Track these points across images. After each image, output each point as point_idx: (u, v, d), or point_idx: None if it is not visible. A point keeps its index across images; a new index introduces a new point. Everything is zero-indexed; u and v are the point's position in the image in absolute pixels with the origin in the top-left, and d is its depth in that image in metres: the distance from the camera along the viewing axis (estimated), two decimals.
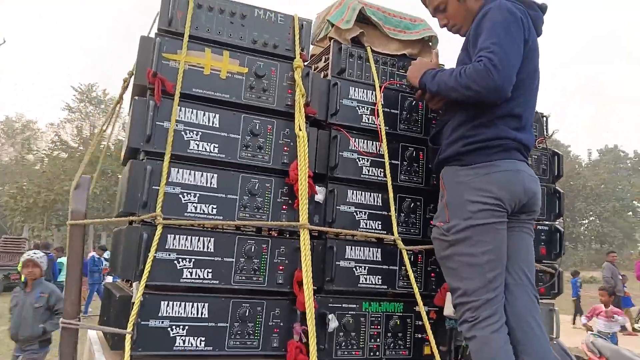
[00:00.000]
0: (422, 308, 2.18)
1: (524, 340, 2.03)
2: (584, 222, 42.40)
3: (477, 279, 2.01)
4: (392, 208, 2.27)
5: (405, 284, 2.37)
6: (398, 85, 2.47)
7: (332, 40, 2.45)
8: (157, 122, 1.97)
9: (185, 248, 1.96)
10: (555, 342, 4.59)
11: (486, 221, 2.01)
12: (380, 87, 2.40)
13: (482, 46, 1.98)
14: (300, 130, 2.08)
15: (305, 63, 2.25)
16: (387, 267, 2.33)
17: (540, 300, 2.65)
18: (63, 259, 14.02)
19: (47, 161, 40.69)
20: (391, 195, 2.28)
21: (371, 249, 2.31)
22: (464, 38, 2.24)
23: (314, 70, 2.57)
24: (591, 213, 40.93)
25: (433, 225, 2.17)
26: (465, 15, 2.26)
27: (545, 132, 2.80)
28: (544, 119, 2.83)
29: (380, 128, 2.34)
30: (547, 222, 2.78)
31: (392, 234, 2.28)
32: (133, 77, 2.09)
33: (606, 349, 5.43)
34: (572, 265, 35.32)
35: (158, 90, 1.95)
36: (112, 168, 35.29)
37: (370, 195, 2.35)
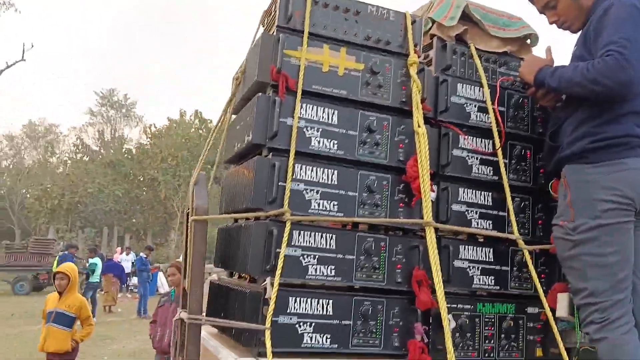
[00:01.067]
0: (547, 308, 2.18)
1: None
2: None
3: (606, 280, 2.01)
4: (510, 206, 2.29)
5: (516, 284, 2.37)
6: (511, 82, 2.47)
7: (434, 37, 2.48)
8: (280, 119, 2.01)
9: (310, 244, 2.00)
10: None
11: (616, 220, 2.01)
12: (492, 85, 2.41)
13: (610, 40, 1.98)
14: (419, 126, 2.11)
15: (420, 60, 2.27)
16: (499, 267, 2.34)
17: None
18: (96, 260, 14.36)
19: (70, 164, 41.53)
20: (508, 193, 2.29)
21: (484, 249, 2.33)
22: (578, 34, 2.25)
23: None
24: None
25: (555, 225, 2.17)
26: (577, 11, 2.27)
27: None
28: None
29: (497, 125, 2.35)
30: None
31: (512, 233, 2.28)
32: (252, 73, 2.13)
33: None
34: None
35: (282, 86, 2.00)
36: (134, 171, 35.93)
37: (481, 194, 2.36)
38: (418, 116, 2.14)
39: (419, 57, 2.27)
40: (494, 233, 2.28)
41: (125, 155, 38.43)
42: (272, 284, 1.85)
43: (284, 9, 2.11)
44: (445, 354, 2.13)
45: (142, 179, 36.20)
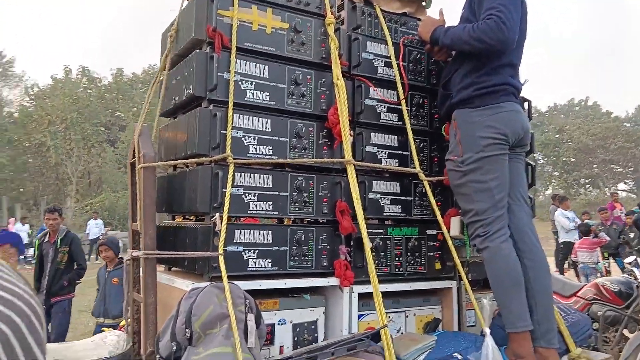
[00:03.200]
0: (444, 229, 2.66)
1: (524, 249, 2.57)
2: None
3: (488, 201, 2.51)
4: (413, 147, 2.71)
5: (418, 211, 2.83)
6: (411, 40, 2.86)
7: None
8: (218, 73, 2.24)
9: (250, 184, 2.28)
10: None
11: (494, 153, 2.49)
12: (395, 42, 2.77)
13: (491, 6, 2.42)
14: (338, 79, 2.44)
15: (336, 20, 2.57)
16: (404, 198, 2.78)
17: None
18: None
19: None
20: (411, 136, 2.71)
21: (392, 183, 2.74)
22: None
23: None
24: None
25: (447, 160, 2.63)
26: None
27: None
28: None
29: (400, 78, 2.73)
30: None
31: (414, 168, 2.71)
32: (188, 31, 2.31)
33: None
34: None
35: (218, 43, 2.21)
36: (18, 136, 33.15)
37: (388, 137, 2.76)
38: (337, 70, 2.46)
39: (334, 17, 2.57)
40: (400, 169, 2.70)
41: (7, 120, 35.25)
42: (220, 218, 2.12)
43: None
44: (365, 270, 2.55)
45: (28, 145, 33.54)
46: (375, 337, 2.38)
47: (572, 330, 2.78)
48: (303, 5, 2.52)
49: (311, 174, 2.48)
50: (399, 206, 2.77)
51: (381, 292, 2.46)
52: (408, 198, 2.80)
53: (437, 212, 2.71)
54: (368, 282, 2.52)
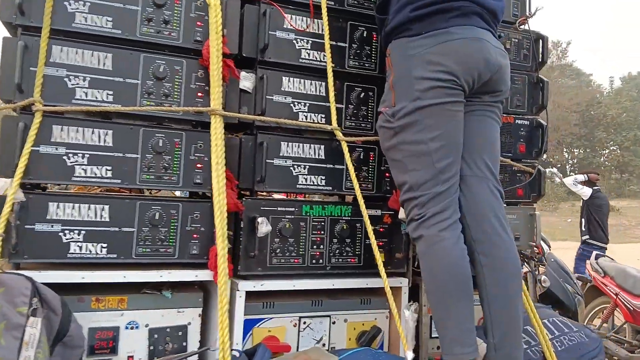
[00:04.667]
0: (364, 211, 1.92)
1: (483, 239, 1.78)
2: (604, 152, 41.65)
3: (426, 170, 1.74)
4: (331, 94, 1.97)
5: (351, 185, 2.11)
6: None
7: None
8: None
9: (77, 141, 1.70)
10: (550, 257, 4.41)
11: (436, 101, 1.71)
12: None
13: None
14: None
15: None
16: (332, 166, 2.07)
17: (520, 204, 2.42)
18: None
19: None
20: (330, 79, 1.98)
21: (312, 145, 2.04)
22: None
23: None
24: (611, 143, 40.15)
25: (379, 113, 1.88)
26: None
27: (527, 10, 2.43)
28: None
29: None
30: (528, 116, 2.46)
31: (330, 124, 1.99)
32: None
33: (611, 269, 5.26)
34: None
35: None
36: None
37: (312, 84, 2.05)
38: None
39: None
40: (311, 124, 1.98)
41: None
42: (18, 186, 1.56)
43: None
44: (260, 260, 1.91)
45: None
46: (265, 352, 1.75)
47: (566, 357, 1.96)
48: None
49: (178, 130, 1.84)
50: (323, 177, 2.06)
51: (290, 289, 1.87)
52: (338, 166, 2.08)
53: (356, 186, 1.97)
54: (265, 276, 1.90)
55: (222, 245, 1.63)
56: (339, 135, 1.96)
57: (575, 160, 42.83)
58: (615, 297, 4.51)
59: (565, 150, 42.04)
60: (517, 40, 2.42)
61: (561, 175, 6.74)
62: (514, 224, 2.41)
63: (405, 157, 1.78)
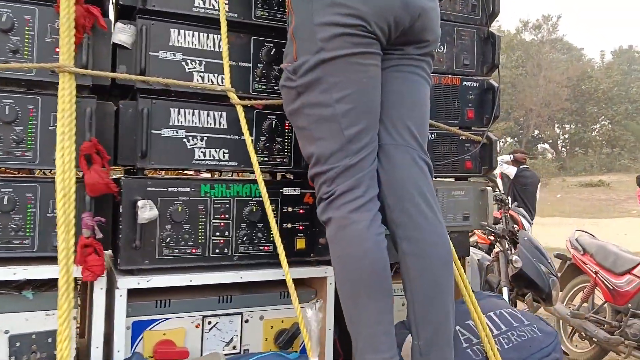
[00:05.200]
0: (263, 189, 1.61)
1: (404, 222, 1.48)
2: (595, 126, 41.52)
3: (333, 139, 1.43)
4: (224, 47, 1.64)
5: (266, 159, 1.79)
6: None
7: None
8: None
9: None
10: (523, 235, 4.13)
11: (341, 52, 1.39)
12: None
13: None
14: None
15: None
16: (237, 137, 1.74)
17: (469, 179, 2.13)
18: None
19: None
20: (224, 29, 1.64)
21: (212, 112, 1.72)
22: None
23: None
24: (603, 117, 40.00)
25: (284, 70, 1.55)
26: None
27: None
28: None
29: None
30: (477, 77, 2.14)
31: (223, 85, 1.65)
32: None
33: (591, 246, 5.04)
34: (583, 170, 34.99)
35: None
36: None
37: (209, 37, 1.71)
38: None
39: None
40: (200, 84, 1.65)
41: None
42: None
43: None
44: (148, 252, 1.60)
45: None
46: None
47: (514, 357, 1.68)
48: None
49: (31, 94, 1.51)
50: (226, 150, 1.74)
51: (188, 285, 1.59)
52: (244, 138, 1.76)
53: (254, 159, 1.65)
54: (154, 270, 1.59)
55: (63, 237, 1.31)
56: (234, 98, 1.63)
57: (566, 136, 42.79)
58: (594, 275, 4.27)
59: (556, 125, 41.90)
60: None
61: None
62: (462, 202, 2.12)
63: (311, 124, 1.46)
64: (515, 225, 6.07)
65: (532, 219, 6.97)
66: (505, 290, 3.60)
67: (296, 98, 1.47)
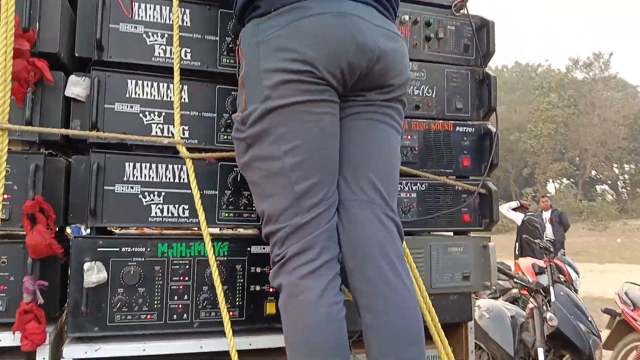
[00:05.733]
0: (209, 249, 1.47)
1: (366, 290, 1.30)
2: None
3: (282, 195, 1.29)
4: (176, 97, 1.55)
5: (230, 215, 1.67)
6: None
7: None
8: None
9: None
10: (559, 289, 3.78)
11: (288, 100, 1.27)
12: None
13: None
14: None
15: None
16: (201, 192, 1.63)
17: (469, 233, 1.94)
18: None
19: None
20: (177, 77, 1.56)
21: (171, 166, 1.62)
22: None
23: None
24: None
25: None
26: None
27: None
28: None
29: None
30: (472, 122, 1.97)
31: (173, 137, 1.56)
32: None
33: None
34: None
35: None
36: None
37: (169, 88, 1.64)
38: None
39: None
40: (152, 138, 1.56)
41: None
42: None
43: None
44: (98, 318, 1.49)
45: None
46: None
47: None
48: None
49: None
50: (186, 206, 1.63)
51: (141, 355, 1.46)
52: (209, 192, 1.65)
53: (202, 217, 1.53)
54: (104, 338, 1.49)
55: None
56: (182, 151, 1.53)
57: (626, 177, 40.86)
58: None
59: (615, 165, 40.15)
60: (454, 28, 1.95)
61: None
62: (462, 259, 1.91)
63: (261, 178, 1.34)
64: (561, 276, 5.70)
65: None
66: (540, 352, 3.28)
67: (246, 150, 1.35)
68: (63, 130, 1.46)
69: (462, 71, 1.95)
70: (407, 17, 1.87)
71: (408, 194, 1.87)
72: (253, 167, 1.35)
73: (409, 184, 1.87)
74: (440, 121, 1.91)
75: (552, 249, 5.79)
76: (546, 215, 9.84)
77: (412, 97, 1.88)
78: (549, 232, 9.41)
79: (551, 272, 5.66)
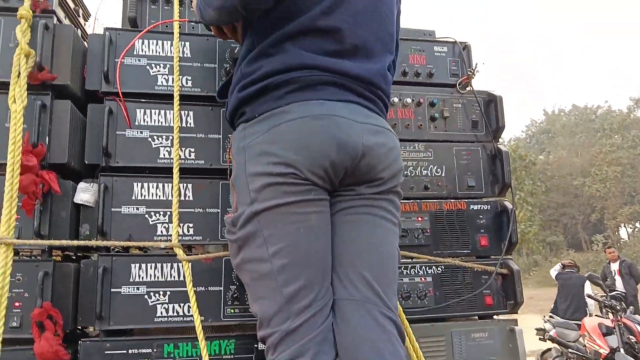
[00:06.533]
0: (203, 351, 1.46)
1: None
2: None
3: (272, 299, 1.28)
4: (175, 200, 1.59)
5: (237, 311, 1.66)
6: (193, 25, 1.81)
7: None
8: None
9: None
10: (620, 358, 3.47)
11: (272, 202, 1.27)
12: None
13: None
14: (14, 102, 1.50)
15: (34, 12, 1.66)
16: (203, 288, 1.65)
17: (495, 316, 1.84)
18: None
19: None
20: (175, 180, 1.61)
21: (175, 265, 1.65)
22: None
23: None
24: None
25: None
26: None
27: (469, 68, 1.95)
28: (465, 49, 1.98)
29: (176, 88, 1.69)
30: (487, 199, 1.91)
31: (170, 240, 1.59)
32: None
33: None
34: None
35: None
36: None
37: (169, 186, 1.69)
38: (17, 88, 1.53)
39: (43, 9, 1.66)
40: (148, 243, 1.59)
41: None
42: None
43: None
44: None
45: None
46: None
47: None
48: None
49: None
50: (190, 305, 1.63)
51: None
52: (213, 288, 1.66)
53: (196, 315, 1.52)
54: None
55: None
56: (179, 253, 1.55)
57: None
58: None
59: None
60: (460, 105, 1.93)
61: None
62: (486, 345, 1.81)
63: (252, 280, 1.33)
64: (631, 337, 5.26)
65: (572, 319, 6.79)
66: None
67: (238, 252, 1.36)
68: (70, 242, 1.52)
69: (472, 148, 1.91)
70: (409, 100, 1.87)
71: (423, 279, 1.81)
72: (244, 269, 1.35)
73: (423, 267, 1.82)
74: (452, 200, 1.86)
75: (619, 307, 5.38)
76: (614, 267, 9.25)
77: (420, 178, 1.86)
78: (618, 285, 8.83)
79: (620, 332, 5.23)
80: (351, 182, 1.36)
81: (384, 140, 1.37)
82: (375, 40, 1.44)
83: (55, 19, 1.69)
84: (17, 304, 1.52)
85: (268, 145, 1.30)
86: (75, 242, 1.53)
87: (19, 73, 1.54)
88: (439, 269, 1.83)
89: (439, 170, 1.87)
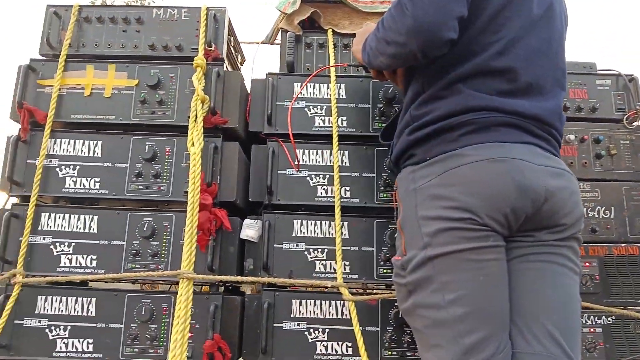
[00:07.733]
0: None
1: None
2: None
3: (449, 348, 1.24)
4: (338, 239, 1.62)
5: (395, 353, 1.64)
6: (346, 67, 1.86)
7: (281, 32, 1.98)
8: (27, 160, 1.71)
9: (60, 312, 1.61)
10: None
11: (450, 248, 1.25)
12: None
13: None
14: (192, 145, 1.62)
15: (209, 59, 1.79)
16: (363, 328, 1.65)
17: None
18: None
19: None
20: (337, 217, 1.64)
21: (333, 302, 1.67)
22: None
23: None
24: None
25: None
26: None
27: (637, 102, 1.82)
28: (631, 82, 1.85)
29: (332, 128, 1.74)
30: None
31: (335, 280, 1.60)
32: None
33: None
34: None
35: (25, 122, 1.71)
36: None
37: (331, 224, 1.73)
38: (194, 132, 1.65)
39: (215, 58, 1.79)
40: (310, 281, 1.61)
41: None
42: None
43: (46, 33, 1.84)
44: None
45: None
46: None
47: None
48: (174, 50, 1.83)
49: (164, 294, 1.65)
50: (348, 343, 1.64)
51: None
52: (371, 328, 1.66)
53: (362, 350, 1.51)
54: None
55: None
56: (345, 293, 1.57)
57: None
58: None
59: None
60: (629, 142, 1.80)
61: None
62: None
63: (425, 327, 1.31)
64: None
65: None
66: None
67: (407, 297, 1.34)
68: (239, 278, 1.60)
69: None
70: (572, 137, 1.78)
71: (591, 329, 1.68)
72: (416, 315, 1.33)
73: (591, 317, 1.70)
74: (623, 245, 1.72)
75: None
76: None
77: (587, 220, 1.75)
78: None
79: None
80: (530, 228, 1.30)
81: (565, 183, 1.31)
82: (548, 77, 1.39)
83: (225, 66, 1.81)
84: (189, 334, 1.61)
85: (443, 188, 1.28)
86: (245, 279, 1.60)
87: (196, 117, 1.66)
88: (609, 319, 1.69)
89: (607, 211, 1.75)
